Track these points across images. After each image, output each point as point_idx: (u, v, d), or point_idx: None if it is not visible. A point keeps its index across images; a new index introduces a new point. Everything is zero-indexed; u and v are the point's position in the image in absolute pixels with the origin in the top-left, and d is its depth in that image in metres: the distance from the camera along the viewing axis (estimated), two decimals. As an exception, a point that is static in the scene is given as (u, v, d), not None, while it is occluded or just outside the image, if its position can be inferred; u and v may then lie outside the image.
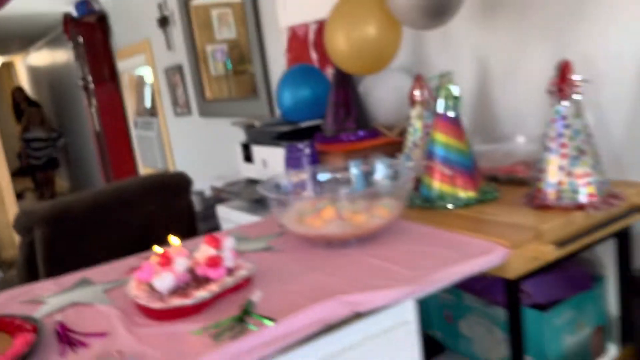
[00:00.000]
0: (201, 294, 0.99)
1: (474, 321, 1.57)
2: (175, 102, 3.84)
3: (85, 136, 5.84)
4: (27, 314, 1.04)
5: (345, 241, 1.25)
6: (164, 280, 0.97)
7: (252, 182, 2.20)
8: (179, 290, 1.02)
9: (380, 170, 1.41)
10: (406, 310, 1.04)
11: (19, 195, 7.99)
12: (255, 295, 1.01)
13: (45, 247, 2.06)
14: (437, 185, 1.43)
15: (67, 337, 0.93)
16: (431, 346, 1.72)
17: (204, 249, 1.10)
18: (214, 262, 1.06)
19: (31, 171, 7.13)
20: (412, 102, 1.62)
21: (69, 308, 1.09)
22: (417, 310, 1.05)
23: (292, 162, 1.80)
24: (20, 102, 7.16)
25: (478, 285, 1.53)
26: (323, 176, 1.46)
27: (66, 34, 5.03)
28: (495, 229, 1.22)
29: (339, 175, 1.48)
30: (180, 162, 4.09)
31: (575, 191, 1.27)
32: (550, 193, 1.30)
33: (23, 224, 2.07)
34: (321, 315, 0.92)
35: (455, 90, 1.42)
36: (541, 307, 1.41)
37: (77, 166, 7.27)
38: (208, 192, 3.07)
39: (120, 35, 4.64)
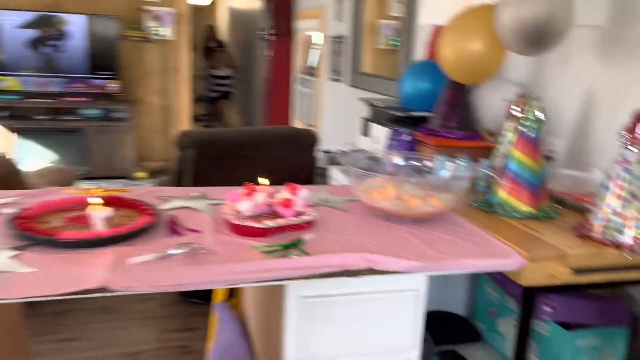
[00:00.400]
0: (268, 222, 1.33)
1: (509, 322, 1.73)
2: (332, 68, 4.22)
3: (257, 81, 6.54)
4: (155, 204, 1.47)
5: (399, 217, 1.50)
6: (243, 205, 1.32)
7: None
8: (257, 217, 1.37)
9: (451, 168, 1.61)
10: (418, 281, 1.28)
11: (195, 119, 9.18)
12: (308, 236, 1.33)
13: (193, 162, 2.58)
14: (502, 194, 1.60)
15: (173, 226, 1.34)
16: (472, 333, 1.91)
17: (284, 193, 1.44)
18: (286, 203, 1.39)
19: (208, 101, 8.13)
20: (509, 115, 1.77)
21: (185, 209, 1.50)
22: (427, 284, 1.28)
23: (393, 145, 2.05)
24: (209, 40, 8.01)
25: (519, 292, 1.68)
26: (403, 161, 1.70)
27: (260, -12, 5.65)
28: (529, 242, 1.37)
29: (420, 164, 1.72)
30: (326, 121, 4.50)
31: (618, 230, 1.37)
32: (596, 226, 1.40)
33: (182, 142, 2.60)
34: (344, 261, 1.21)
35: (539, 114, 1.55)
36: (569, 326, 1.53)
37: (247, 105, 8.14)
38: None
39: (303, -3, 5.11)
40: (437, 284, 2.09)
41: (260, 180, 1.47)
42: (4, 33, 4.87)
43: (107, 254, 1.18)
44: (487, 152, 1.95)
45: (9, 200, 1.49)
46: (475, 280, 1.98)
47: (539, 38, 1.41)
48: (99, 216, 1.28)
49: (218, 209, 1.50)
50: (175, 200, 1.58)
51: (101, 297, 1.10)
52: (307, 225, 1.40)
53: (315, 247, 1.26)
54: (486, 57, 1.64)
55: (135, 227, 1.28)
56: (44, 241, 1.20)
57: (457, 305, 2.03)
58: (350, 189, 1.77)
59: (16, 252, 1.16)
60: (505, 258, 1.29)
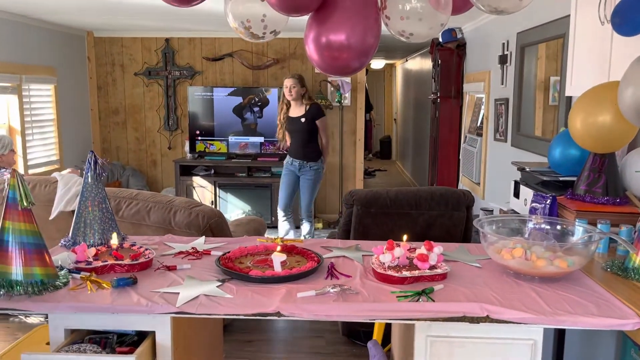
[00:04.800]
0: (405, 273, 1.63)
1: (650, 388, 1.74)
2: (496, 129, 4.37)
3: (425, 138, 6.87)
4: (319, 253, 1.86)
5: (528, 275, 1.67)
6: (384, 257, 1.64)
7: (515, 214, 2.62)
8: (398, 267, 1.67)
9: (586, 233, 1.74)
10: (534, 332, 1.45)
11: (370, 173, 9.77)
12: (438, 286, 1.59)
13: (357, 218, 2.96)
14: (638, 260, 1.67)
15: (330, 271, 1.71)
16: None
17: (422, 249, 1.72)
18: (422, 258, 1.67)
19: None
20: (652, 182, 1.83)
21: (342, 258, 1.87)
22: (541, 335, 1.45)
23: (536, 207, 2.18)
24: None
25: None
26: (542, 224, 1.87)
27: (430, 54, 6.05)
28: (652, 306, 1.45)
29: (557, 228, 1.87)
30: (489, 179, 4.61)
31: None
32: None
33: (348, 200, 3.01)
34: (463, 309, 1.44)
35: (672, 183, 1.62)
36: None
37: (417, 160, 8.48)
38: (496, 212, 3.55)
39: (471, 62, 5.36)
40: (583, 344, 2.14)
41: (404, 237, 1.78)
42: (215, 105, 5.96)
43: (281, 289, 1.58)
44: (632, 217, 2.00)
45: (219, 245, 2.01)
46: (622, 344, 1.99)
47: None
48: (278, 260, 1.70)
49: (368, 259, 1.84)
50: (336, 250, 1.96)
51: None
52: (440, 277, 1.66)
53: (442, 296, 1.52)
54: (615, 128, 1.75)
55: (303, 270, 1.68)
56: (239, 276, 1.65)
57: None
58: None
59: (220, 283, 1.62)
60: (621, 319, 1.40)
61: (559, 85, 3.38)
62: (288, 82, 4.53)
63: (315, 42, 1.74)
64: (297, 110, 4.62)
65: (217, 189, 5.98)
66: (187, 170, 5.99)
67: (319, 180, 4.72)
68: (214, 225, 2.77)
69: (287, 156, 4.77)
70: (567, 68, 2.49)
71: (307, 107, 4.57)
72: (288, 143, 4.75)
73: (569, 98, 3.03)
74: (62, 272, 1.61)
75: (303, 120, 4.56)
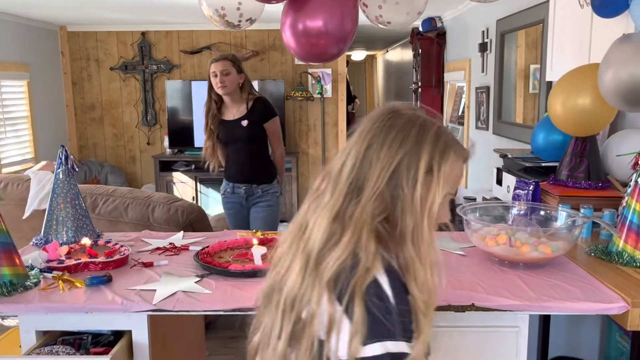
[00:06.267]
0: (389, 263, 1.59)
1: (635, 371, 1.74)
2: (477, 117, 4.36)
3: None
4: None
5: (512, 262, 1.65)
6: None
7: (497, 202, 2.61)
8: (381, 258, 1.63)
9: (569, 218, 1.72)
10: (519, 319, 1.43)
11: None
12: (422, 275, 1.55)
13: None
14: (621, 244, 1.66)
15: (313, 263, 1.66)
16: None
17: (405, 238, 1.69)
18: (406, 247, 1.64)
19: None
20: (635, 165, 1.82)
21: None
22: (527, 322, 1.43)
23: (519, 194, 2.17)
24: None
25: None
26: (525, 210, 1.85)
27: (411, 44, 6.03)
28: (638, 289, 1.44)
29: (540, 213, 1.85)
30: (471, 167, 4.61)
31: None
32: None
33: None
34: (448, 297, 1.41)
35: (655, 165, 1.61)
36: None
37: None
38: (479, 200, 3.54)
39: (451, 51, 5.34)
40: (568, 330, 2.14)
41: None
42: (194, 99, 5.88)
43: (262, 282, 1.53)
44: (614, 201, 1.99)
45: (197, 239, 1.96)
46: (606, 329, 1.99)
47: (636, 97, 1.49)
48: (259, 253, 1.66)
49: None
50: (318, 242, 1.91)
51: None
52: (424, 267, 1.63)
53: (427, 285, 1.49)
54: (595, 111, 1.73)
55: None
56: (218, 271, 1.60)
57: (588, 352, 2.05)
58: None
59: (199, 279, 1.57)
60: (607, 303, 1.38)
61: (539, 73, 3.37)
62: (217, 67, 2.92)
63: (292, 29, 1.69)
64: (234, 110, 3.05)
65: (198, 184, 5.90)
66: (167, 166, 5.90)
67: (278, 210, 3.23)
68: (194, 220, 2.71)
69: (224, 181, 3.28)
70: (547, 53, 2.48)
71: (250, 103, 3.02)
72: (222, 161, 3.25)
73: (550, 83, 3.03)
74: (33, 272, 1.54)
75: (245, 123, 3.01)
